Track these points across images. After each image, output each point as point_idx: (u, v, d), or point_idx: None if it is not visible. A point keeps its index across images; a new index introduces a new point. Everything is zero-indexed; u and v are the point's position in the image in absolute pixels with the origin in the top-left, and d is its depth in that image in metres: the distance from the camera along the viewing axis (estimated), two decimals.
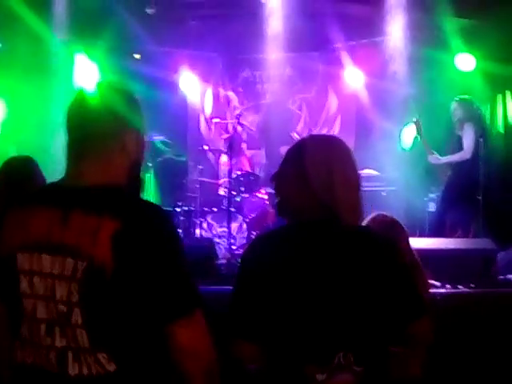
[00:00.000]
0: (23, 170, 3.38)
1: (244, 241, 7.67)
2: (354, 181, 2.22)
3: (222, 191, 8.65)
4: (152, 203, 1.98)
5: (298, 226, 2.19)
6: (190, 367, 1.85)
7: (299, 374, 2.03)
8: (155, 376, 1.89)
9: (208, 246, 5.95)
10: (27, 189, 3.10)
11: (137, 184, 2.05)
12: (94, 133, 1.96)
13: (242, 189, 8.06)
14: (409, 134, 8.32)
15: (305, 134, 9.44)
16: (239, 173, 8.21)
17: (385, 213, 3.76)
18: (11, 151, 8.01)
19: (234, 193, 7.95)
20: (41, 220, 1.87)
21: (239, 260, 2.25)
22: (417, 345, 2.22)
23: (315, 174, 2.16)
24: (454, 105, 7.39)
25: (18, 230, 1.90)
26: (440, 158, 7.36)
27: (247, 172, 8.55)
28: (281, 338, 2.07)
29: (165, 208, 8.29)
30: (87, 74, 8.45)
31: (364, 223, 3.66)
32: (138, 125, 2.04)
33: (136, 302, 1.80)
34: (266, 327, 2.08)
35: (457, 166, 7.25)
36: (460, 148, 7.19)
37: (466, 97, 7.38)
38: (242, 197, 8.10)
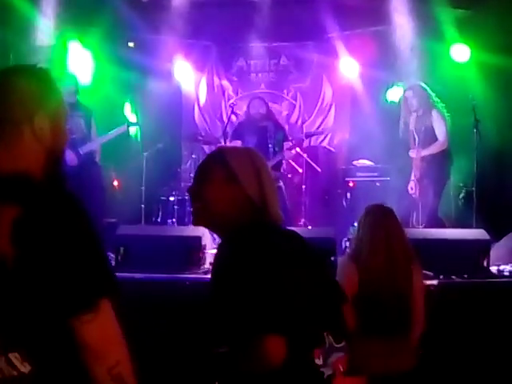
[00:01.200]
0: None
1: None
2: (274, 180, 2.32)
3: None
4: (62, 192, 1.80)
5: (262, 227, 2.19)
6: (94, 368, 1.68)
7: (309, 360, 2.04)
8: (76, 377, 1.73)
9: (201, 236, 5.94)
10: None
11: (55, 174, 1.90)
12: (3, 116, 1.84)
13: None
14: (394, 94, 8.35)
15: (300, 124, 9.45)
16: None
17: (380, 203, 3.77)
18: None
19: None
20: None
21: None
22: None
23: (245, 175, 2.20)
24: (408, 93, 7.12)
25: None
26: (421, 150, 7.07)
27: None
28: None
29: (161, 197, 8.34)
30: (81, 61, 8.40)
31: (361, 213, 3.69)
32: (52, 110, 1.91)
33: (39, 294, 1.66)
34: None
35: (432, 157, 7.01)
36: (435, 137, 6.98)
37: (420, 83, 7.18)
38: None
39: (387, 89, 8.55)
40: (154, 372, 4.33)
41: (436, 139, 6.95)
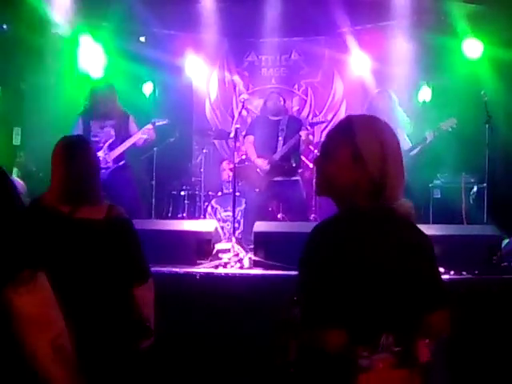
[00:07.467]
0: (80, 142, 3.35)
1: None
2: (401, 155, 2.22)
3: (226, 175, 8.66)
4: None
5: (353, 216, 2.17)
6: (35, 341, 1.68)
7: (349, 355, 2.03)
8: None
9: (211, 230, 5.94)
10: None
11: None
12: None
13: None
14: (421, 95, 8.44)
15: (310, 119, 9.40)
16: (244, 157, 8.18)
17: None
18: (15, 134, 8.03)
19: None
20: None
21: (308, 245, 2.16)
22: (429, 335, 2.20)
23: (370, 153, 2.13)
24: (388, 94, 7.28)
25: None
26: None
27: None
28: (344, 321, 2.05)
29: (171, 192, 8.37)
30: (92, 55, 8.42)
31: None
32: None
33: None
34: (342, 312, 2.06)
35: None
36: None
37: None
38: None
39: (417, 90, 8.56)
40: (163, 368, 4.34)
41: None
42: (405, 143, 6.92)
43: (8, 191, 1.75)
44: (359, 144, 2.14)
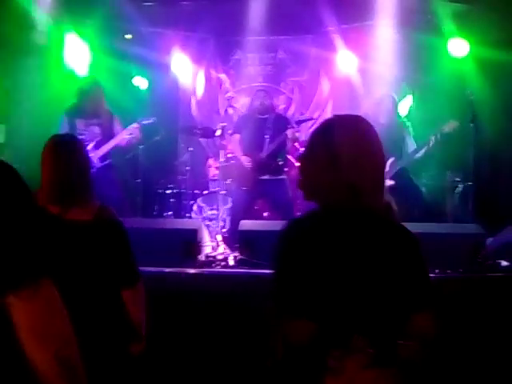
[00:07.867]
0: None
1: None
2: (383, 159, 2.23)
3: (212, 174, 8.65)
4: None
5: (329, 213, 2.17)
6: (38, 353, 1.59)
7: (319, 357, 2.04)
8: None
9: (197, 229, 5.92)
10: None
11: None
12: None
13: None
14: (404, 106, 8.29)
15: (296, 117, 9.41)
16: (230, 155, 8.17)
17: None
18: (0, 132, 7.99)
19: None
20: None
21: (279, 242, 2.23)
22: (415, 337, 2.19)
23: (347, 159, 2.13)
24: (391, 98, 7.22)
25: None
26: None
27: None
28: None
29: (157, 190, 8.33)
30: (78, 53, 8.38)
31: None
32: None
33: None
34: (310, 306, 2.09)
35: None
36: None
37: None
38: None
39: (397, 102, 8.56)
40: (150, 368, 4.33)
41: None
42: (410, 144, 6.94)
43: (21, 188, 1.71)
44: (337, 146, 2.14)
